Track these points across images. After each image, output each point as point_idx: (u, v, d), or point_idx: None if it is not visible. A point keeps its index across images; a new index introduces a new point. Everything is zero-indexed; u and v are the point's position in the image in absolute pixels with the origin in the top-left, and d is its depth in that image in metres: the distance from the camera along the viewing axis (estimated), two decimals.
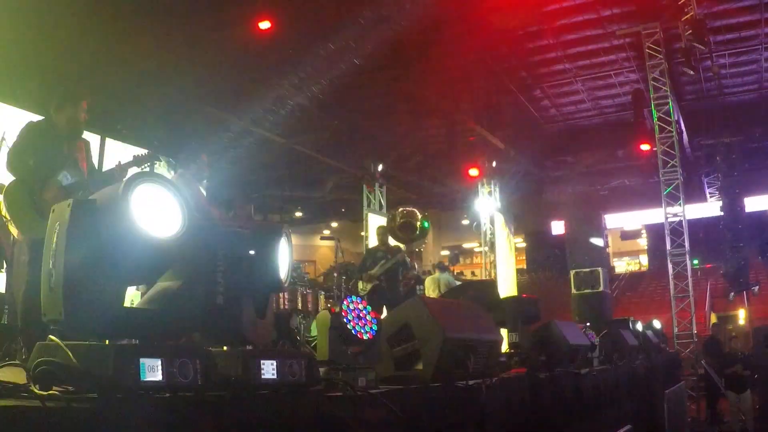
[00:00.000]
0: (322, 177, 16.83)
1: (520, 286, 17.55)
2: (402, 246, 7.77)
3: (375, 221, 13.96)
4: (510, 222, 15.81)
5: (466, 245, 28.69)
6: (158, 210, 1.76)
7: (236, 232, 2.18)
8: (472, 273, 26.76)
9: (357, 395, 2.13)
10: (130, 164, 4.24)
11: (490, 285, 6.11)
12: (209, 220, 4.21)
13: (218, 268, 2.01)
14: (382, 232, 8.04)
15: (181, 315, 1.84)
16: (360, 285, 7.72)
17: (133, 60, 9.25)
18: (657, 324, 9.51)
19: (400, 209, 7.88)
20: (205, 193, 6.18)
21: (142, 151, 4.38)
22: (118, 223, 1.64)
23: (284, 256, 2.25)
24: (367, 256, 8.04)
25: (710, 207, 17.80)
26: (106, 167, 7.78)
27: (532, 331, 4.62)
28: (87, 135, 4.42)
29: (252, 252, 2.12)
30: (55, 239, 1.63)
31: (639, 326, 7.59)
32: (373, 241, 13.35)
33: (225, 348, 2.01)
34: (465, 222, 25.82)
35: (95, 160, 4.54)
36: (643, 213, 21.75)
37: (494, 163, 15.15)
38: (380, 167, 14.67)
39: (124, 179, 1.72)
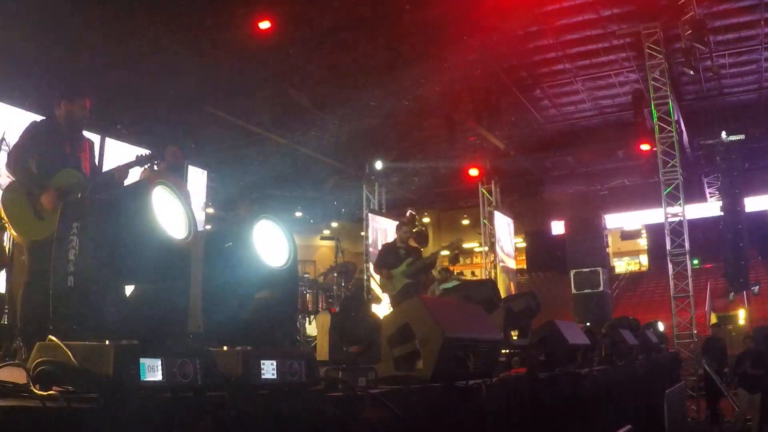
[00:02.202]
0: (322, 177, 16.83)
1: (520, 286, 17.55)
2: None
3: (375, 221, 13.98)
4: (509, 222, 15.82)
5: (466, 245, 28.68)
6: (170, 214, 1.77)
7: (213, 230, 2.16)
8: (472, 273, 26.76)
9: (357, 395, 2.12)
10: (132, 164, 4.24)
11: (490, 284, 6.10)
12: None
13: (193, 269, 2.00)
14: (406, 231, 7.97)
15: (165, 315, 1.84)
16: (383, 281, 7.56)
17: (133, 60, 9.26)
18: (659, 326, 9.49)
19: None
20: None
21: (143, 151, 4.37)
22: (141, 223, 1.65)
23: (274, 242, 2.16)
24: (387, 252, 7.86)
25: (710, 207, 17.80)
26: (106, 167, 7.77)
27: (533, 330, 4.62)
28: (87, 135, 4.42)
29: (229, 244, 2.07)
30: (73, 237, 1.62)
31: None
32: (381, 238, 13.38)
33: (225, 348, 2.01)
34: (465, 222, 25.82)
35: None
36: (643, 213, 21.75)
37: (494, 163, 15.17)
38: (380, 167, 14.67)
39: (142, 181, 1.73)
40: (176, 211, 1.83)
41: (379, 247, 13.42)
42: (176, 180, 5.42)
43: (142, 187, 1.70)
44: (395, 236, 7.97)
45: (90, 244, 1.60)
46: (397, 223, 8.53)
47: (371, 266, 13.16)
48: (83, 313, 1.62)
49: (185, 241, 1.79)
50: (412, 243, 7.96)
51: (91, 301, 1.59)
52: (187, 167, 11.59)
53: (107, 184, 4.00)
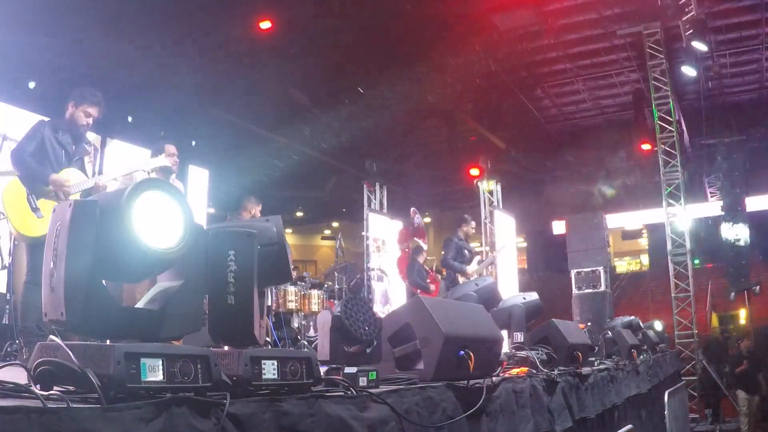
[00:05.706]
0: (323, 177, 16.83)
1: (522, 286, 17.53)
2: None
3: (376, 221, 13.97)
4: (511, 222, 15.80)
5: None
6: (160, 219, 1.75)
7: (245, 231, 2.16)
8: None
9: (357, 395, 2.13)
10: (132, 172, 4.24)
11: (488, 279, 6.13)
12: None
13: (229, 268, 2.00)
14: (473, 226, 8.09)
15: (182, 315, 1.84)
16: (461, 279, 7.59)
17: (133, 60, 9.26)
18: (658, 326, 9.51)
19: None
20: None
21: (145, 153, 4.37)
22: (118, 230, 1.64)
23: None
24: (454, 247, 7.87)
25: (711, 207, 17.77)
26: (106, 167, 7.79)
27: (533, 330, 4.62)
28: (87, 135, 4.42)
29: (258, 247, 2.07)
30: (56, 239, 1.63)
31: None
32: (383, 237, 13.40)
33: (226, 348, 2.01)
34: None
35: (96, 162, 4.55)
36: (643, 213, 21.73)
37: (495, 163, 15.16)
38: (381, 166, 14.66)
39: (130, 186, 1.71)
40: (171, 216, 1.78)
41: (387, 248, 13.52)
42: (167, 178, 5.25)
43: (125, 194, 1.67)
44: (458, 231, 8.06)
45: (69, 245, 1.60)
46: (463, 217, 8.50)
47: (372, 262, 13.19)
48: (63, 314, 1.61)
49: (172, 250, 1.76)
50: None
51: (74, 301, 1.59)
52: (188, 166, 11.61)
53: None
